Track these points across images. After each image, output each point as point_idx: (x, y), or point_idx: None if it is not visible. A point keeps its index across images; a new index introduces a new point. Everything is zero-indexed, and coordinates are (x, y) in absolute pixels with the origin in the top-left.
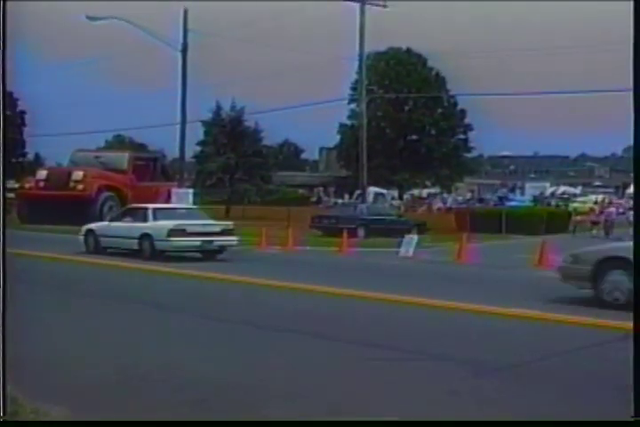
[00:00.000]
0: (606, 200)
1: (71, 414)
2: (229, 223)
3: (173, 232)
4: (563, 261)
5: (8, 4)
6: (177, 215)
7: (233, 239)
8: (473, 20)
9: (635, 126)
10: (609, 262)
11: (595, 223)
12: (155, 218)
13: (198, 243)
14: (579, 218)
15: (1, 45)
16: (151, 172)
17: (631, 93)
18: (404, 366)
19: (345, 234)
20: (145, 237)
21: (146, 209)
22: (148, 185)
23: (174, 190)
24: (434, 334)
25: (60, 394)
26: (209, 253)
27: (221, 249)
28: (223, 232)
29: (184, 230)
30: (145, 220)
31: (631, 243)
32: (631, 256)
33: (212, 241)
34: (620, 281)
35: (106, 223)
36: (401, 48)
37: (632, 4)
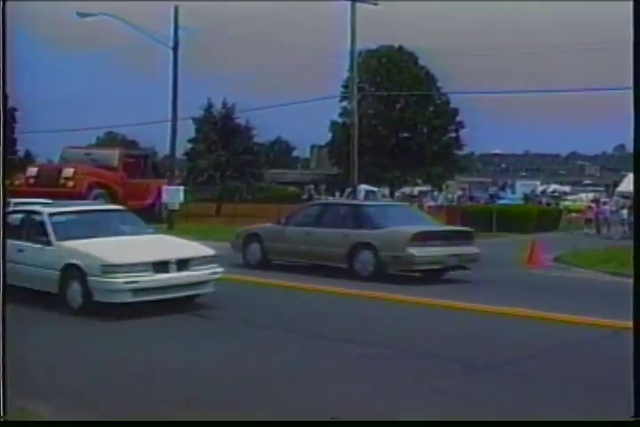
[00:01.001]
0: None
1: None
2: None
3: None
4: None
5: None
6: None
7: None
8: (466, 19)
9: (635, 124)
10: (251, 237)
11: (588, 221)
12: None
13: None
14: (573, 215)
15: (1, 45)
16: (142, 169)
17: (622, 92)
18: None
19: None
20: None
21: None
22: (139, 182)
23: (165, 187)
24: (422, 332)
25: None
26: None
27: None
28: None
29: None
30: None
31: (259, 225)
32: (261, 232)
33: None
34: (255, 249)
35: None
36: (392, 46)
37: (632, 4)
